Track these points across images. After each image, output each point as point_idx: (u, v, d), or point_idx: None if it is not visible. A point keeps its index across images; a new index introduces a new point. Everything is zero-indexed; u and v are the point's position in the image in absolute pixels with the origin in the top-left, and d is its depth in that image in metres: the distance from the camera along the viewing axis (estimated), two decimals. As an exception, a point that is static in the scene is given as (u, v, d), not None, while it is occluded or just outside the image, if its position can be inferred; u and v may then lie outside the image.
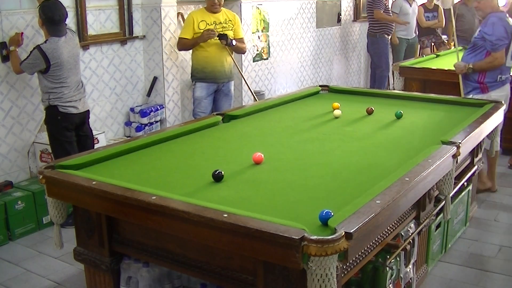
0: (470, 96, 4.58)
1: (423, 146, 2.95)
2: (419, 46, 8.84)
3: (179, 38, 5.26)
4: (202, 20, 5.17)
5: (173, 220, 2.13)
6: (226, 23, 5.28)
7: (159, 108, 5.41)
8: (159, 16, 5.28)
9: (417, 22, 8.68)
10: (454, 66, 4.78)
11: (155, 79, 5.43)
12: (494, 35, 4.43)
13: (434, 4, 8.54)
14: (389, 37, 8.03)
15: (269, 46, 6.96)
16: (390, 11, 7.95)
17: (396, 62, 8.00)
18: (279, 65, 7.20)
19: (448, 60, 6.61)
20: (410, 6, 8.16)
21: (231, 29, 5.31)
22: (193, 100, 5.43)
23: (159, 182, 2.52)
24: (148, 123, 5.30)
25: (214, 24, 5.20)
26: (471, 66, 4.58)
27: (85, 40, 4.77)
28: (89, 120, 4.37)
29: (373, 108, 3.79)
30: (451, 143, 2.95)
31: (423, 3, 8.62)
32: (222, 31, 5.23)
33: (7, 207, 4.00)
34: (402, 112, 3.67)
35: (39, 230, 4.20)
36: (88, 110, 4.34)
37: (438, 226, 3.43)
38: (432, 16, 8.56)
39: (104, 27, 5.04)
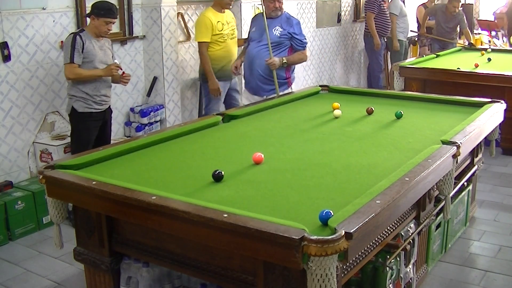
0: (281, 93, 4.65)
1: (423, 146, 2.95)
2: (418, 45, 8.86)
3: (202, 42, 5.10)
4: (218, 21, 5.17)
5: (173, 220, 2.13)
6: (231, 23, 5.31)
7: (159, 108, 5.41)
8: (159, 16, 5.28)
9: (418, 22, 8.68)
10: (268, 63, 4.58)
11: (155, 79, 5.43)
12: (301, 34, 4.74)
13: (435, 4, 8.55)
14: (382, 39, 7.95)
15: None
16: (388, 13, 7.91)
17: (395, 63, 8.04)
18: (279, 65, 7.19)
19: (448, 60, 6.62)
20: (405, 6, 8.17)
21: (234, 28, 5.33)
22: (205, 98, 5.35)
23: (159, 182, 2.52)
24: (148, 123, 5.30)
25: (226, 24, 5.23)
26: (286, 61, 4.65)
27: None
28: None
29: (373, 108, 3.79)
30: (451, 143, 2.95)
31: (424, 3, 8.62)
32: (231, 30, 5.26)
33: (7, 207, 4.00)
34: (402, 112, 3.67)
35: (39, 230, 4.20)
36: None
37: (438, 226, 3.43)
38: (433, 16, 8.56)
39: (104, 27, 5.03)
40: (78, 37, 4.00)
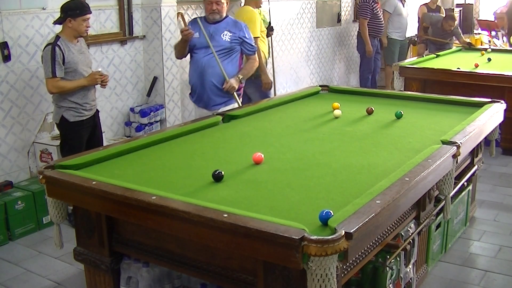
0: (230, 105, 4.31)
1: (423, 146, 2.95)
2: (412, 44, 8.89)
3: (255, 38, 5.09)
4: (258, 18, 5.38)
5: (173, 220, 2.13)
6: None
7: (159, 108, 5.41)
8: (159, 16, 5.29)
9: (419, 21, 8.66)
10: (227, 88, 4.22)
11: (155, 79, 5.43)
12: (251, 38, 4.41)
13: (437, 5, 8.54)
14: (376, 40, 7.95)
15: (269, 46, 6.95)
16: (381, 15, 7.89)
17: (389, 63, 8.06)
18: (279, 65, 7.19)
19: (448, 60, 6.63)
20: (403, 6, 8.16)
21: None
22: (259, 93, 5.37)
23: (159, 182, 2.52)
24: (148, 123, 5.30)
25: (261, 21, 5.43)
26: (242, 77, 4.35)
27: (85, 40, 4.76)
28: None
29: (373, 108, 3.79)
30: (451, 143, 2.95)
31: (426, 3, 8.61)
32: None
33: (7, 207, 4.00)
34: (402, 112, 3.67)
35: (39, 230, 4.20)
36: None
37: (438, 226, 3.43)
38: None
39: (104, 27, 5.04)
40: (57, 48, 3.83)
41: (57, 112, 4.03)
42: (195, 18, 4.45)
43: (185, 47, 4.32)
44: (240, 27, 4.35)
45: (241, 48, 4.37)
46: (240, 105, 4.32)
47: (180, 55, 4.47)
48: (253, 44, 4.43)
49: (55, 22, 4.02)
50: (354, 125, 3.54)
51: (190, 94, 4.53)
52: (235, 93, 4.33)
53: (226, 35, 4.27)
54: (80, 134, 4.07)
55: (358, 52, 8.19)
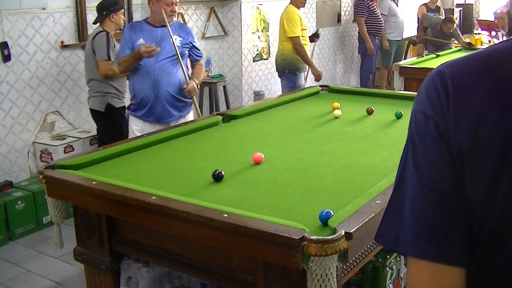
0: (187, 115, 4.07)
1: (423, 146, 2.94)
2: (412, 44, 8.90)
3: (296, 37, 5.60)
4: (300, 17, 5.72)
5: (173, 220, 2.13)
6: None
7: (159, 108, 5.40)
8: (159, 16, 5.28)
9: (419, 21, 8.67)
10: (188, 89, 3.90)
11: (155, 79, 5.42)
12: (197, 42, 4.17)
13: (436, 5, 8.55)
14: (376, 39, 7.96)
15: (269, 46, 6.96)
16: (379, 12, 7.90)
17: (386, 65, 8.07)
18: (279, 65, 7.19)
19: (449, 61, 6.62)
20: (397, 6, 8.16)
21: None
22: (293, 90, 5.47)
23: (159, 182, 2.52)
24: (148, 123, 5.30)
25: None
26: (197, 82, 4.06)
27: (85, 40, 4.77)
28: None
29: (373, 108, 3.79)
30: (451, 143, 2.94)
31: (425, 3, 8.62)
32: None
33: (7, 207, 4.01)
34: (402, 112, 3.66)
35: (39, 230, 4.20)
36: (91, 110, 4.39)
37: (438, 226, 3.43)
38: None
39: (104, 27, 5.04)
40: (109, 35, 4.19)
41: (102, 100, 4.21)
42: (136, 22, 4.03)
43: (137, 62, 3.84)
44: (188, 31, 4.08)
45: (190, 53, 4.08)
46: (201, 114, 4.00)
47: (127, 70, 3.97)
48: (200, 49, 4.16)
49: (96, 21, 4.33)
50: (354, 125, 3.54)
51: (129, 108, 4.06)
52: (194, 98, 4.06)
53: (176, 39, 3.91)
54: (122, 121, 4.29)
55: (359, 53, 8.20)
